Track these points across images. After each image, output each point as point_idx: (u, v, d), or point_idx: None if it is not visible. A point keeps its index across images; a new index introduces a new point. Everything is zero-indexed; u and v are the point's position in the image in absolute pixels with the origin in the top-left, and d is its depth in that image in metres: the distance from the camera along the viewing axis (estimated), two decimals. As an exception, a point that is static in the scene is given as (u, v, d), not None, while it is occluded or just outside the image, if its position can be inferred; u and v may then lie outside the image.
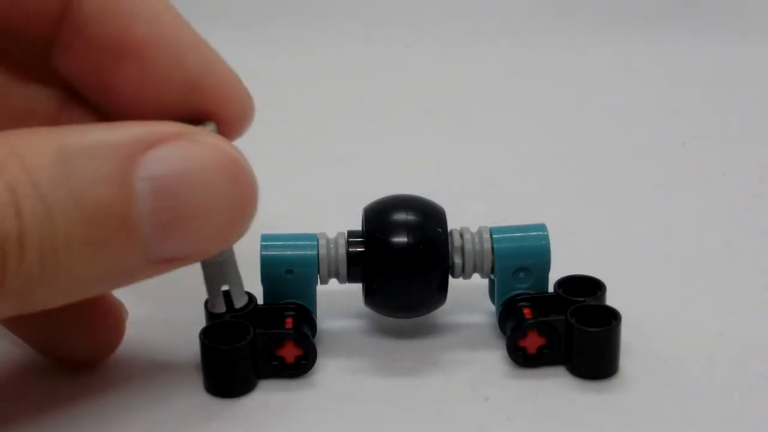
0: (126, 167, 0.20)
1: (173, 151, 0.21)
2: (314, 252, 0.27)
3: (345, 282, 0.27)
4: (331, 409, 0.25)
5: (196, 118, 0.23)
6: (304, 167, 0.40)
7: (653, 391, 0.25)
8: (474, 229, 0.27)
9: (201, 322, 0.26)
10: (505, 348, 0.26)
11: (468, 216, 0.29)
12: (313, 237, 0.27)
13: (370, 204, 0.27)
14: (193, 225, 0.21)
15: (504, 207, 0.35)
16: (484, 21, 0.54)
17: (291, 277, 0.26)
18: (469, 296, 0.29)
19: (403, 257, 0.26)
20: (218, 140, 0.22)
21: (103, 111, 0.24)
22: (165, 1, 0.23)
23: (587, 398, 0.25)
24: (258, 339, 0.25)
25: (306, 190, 0.38)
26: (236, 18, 0.54)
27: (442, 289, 0.27)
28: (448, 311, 0.28)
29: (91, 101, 0.25)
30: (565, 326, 0.26)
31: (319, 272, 0.27)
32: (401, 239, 0.26)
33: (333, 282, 0.27)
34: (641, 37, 0.52)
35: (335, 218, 0.30)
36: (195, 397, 0.25)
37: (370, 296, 0.27)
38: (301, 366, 0.26)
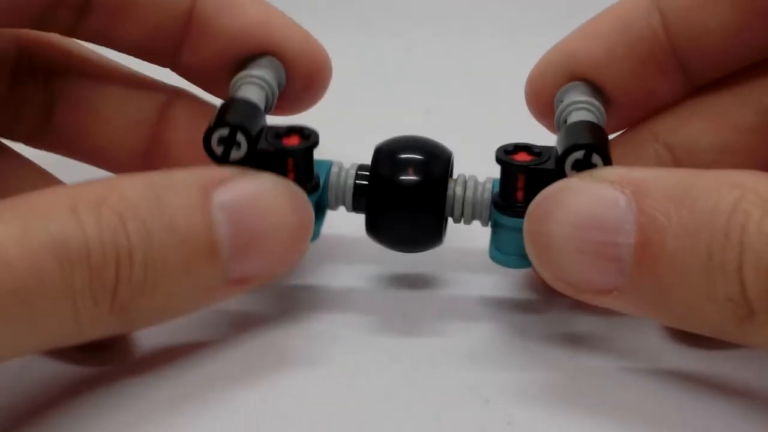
0: (205, 199, 0.24)
1: (240, 186, 0.25)
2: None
3: (351, 210, 0.28)
4: (330, 411, 0.25)
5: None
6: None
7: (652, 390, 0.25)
8: (481, 179, 0.28)
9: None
10: (508, 347, 0.26)
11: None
12: (327, 164, 0.29)
13: (381, 142, 0.29)
14: (263, 246, 0.25)
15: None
16: (484, 21, 0.54)
17: None
18: (477, 302, 0.29)
19: (400, 192, 0.27)
20: (274, 176, 0.26)
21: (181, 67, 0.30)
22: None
23: (588, 402, 0.25)
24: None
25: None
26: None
27: (438, 228, 0.28)
28: (454, 314, 0.29)
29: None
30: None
31: (327, 198, 0.28)
32: (401, 175, 0.27)
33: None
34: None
35: (336, 223, 0.30)
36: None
37: (370, 227, 0.28)
38: None
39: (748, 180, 0.22)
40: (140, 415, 0.25)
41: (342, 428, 0.24)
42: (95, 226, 0.22)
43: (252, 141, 0.26)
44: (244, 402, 0.25)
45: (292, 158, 0.26)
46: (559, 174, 0.25)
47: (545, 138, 0.28)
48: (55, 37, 0.30)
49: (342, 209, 0.29)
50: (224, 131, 0.25)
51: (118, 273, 0.22)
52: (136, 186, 0.23)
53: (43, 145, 0.32)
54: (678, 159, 0.29)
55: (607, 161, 0.25)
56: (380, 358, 0.27)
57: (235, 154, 0.26)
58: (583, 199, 0.24)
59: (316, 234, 0.28)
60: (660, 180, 0.23)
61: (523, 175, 0.26)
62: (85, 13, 0.28)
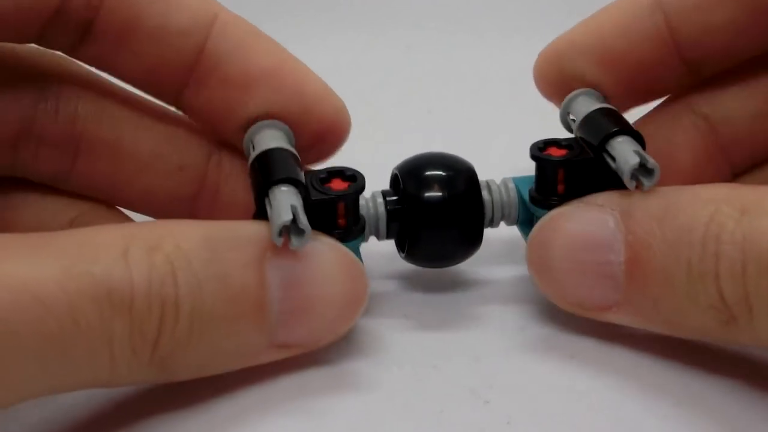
0: (261, 258, 0.23)
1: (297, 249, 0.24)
2: None
3: (384, 239, 0.28)
4: (330, 410, 0.25)
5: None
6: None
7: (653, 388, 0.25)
8: (498, 181, 0.29)
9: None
10: (508, 348, 0.26)
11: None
12: None
13: (401, 163, 0.29)
14: (312, 314, 0.24)
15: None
16: (485, 20, 0.54)
17: None
18: (477, 302, 0.29)
19: (441, 211, 0.28)
20: (335, 242, 0.25)
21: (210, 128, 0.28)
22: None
23: (589, 402, 0.25)
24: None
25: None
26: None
27: (481, 235, 0.28)
28: (454, 315, 0.29)
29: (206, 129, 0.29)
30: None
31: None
32: (437, 193, 0.28)
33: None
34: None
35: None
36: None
37: (413, 251, 0.28)
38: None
39: (721, 193, 0.23)
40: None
41: (342, 428, 0.24)
42: (145, 273, 0.21)
43: (308, 204, 0.24)
44: (243, 400, 0.25)
45: (344, 203, 0.26)
46: (599, 161, 0.26)
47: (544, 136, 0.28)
48: (80, 72, 0.28)
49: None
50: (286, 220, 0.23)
51: (162, 324, 0.22)
52: (193, 237, 0.23)
53: (67, 190, 0.29)
54: (714, 128, 0.29)
55: (641, 141, 0.26)
56: (381, 359, 0.27)
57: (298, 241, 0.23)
58: (576, 224, 0.25)
59: None
60: (643, 201, 0.25)
61: (563, 169, 0.26)
62: (85, 39, 0.26)
